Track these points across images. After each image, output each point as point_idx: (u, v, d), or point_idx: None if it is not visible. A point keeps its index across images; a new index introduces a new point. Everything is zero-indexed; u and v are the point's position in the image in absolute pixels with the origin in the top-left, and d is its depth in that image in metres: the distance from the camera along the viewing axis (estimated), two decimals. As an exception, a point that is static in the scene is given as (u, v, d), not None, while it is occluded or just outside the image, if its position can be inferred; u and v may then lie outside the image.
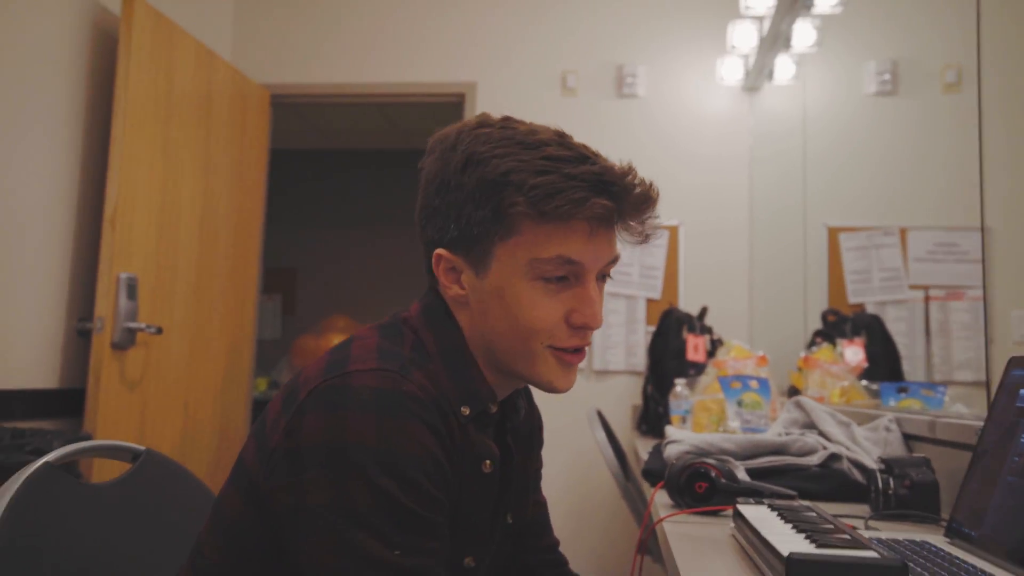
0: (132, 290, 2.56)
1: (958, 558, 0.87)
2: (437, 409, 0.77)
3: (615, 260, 0.86)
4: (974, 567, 0.83)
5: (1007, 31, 2.53)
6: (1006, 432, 0.96)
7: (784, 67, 3.17)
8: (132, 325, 2.54)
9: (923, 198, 2.94)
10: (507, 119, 0.86)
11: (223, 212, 3.14)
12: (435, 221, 0.86)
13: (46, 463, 0.93)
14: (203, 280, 2.99)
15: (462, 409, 0.81)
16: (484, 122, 0.85)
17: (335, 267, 5.85)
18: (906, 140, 3.01)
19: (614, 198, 0.79)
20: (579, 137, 0.87)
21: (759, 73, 3.22)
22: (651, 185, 0.84)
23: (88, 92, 2.63)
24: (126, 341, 2.54)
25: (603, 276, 0.87)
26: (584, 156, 0.82)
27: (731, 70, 3.27)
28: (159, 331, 2.61)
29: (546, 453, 3.60)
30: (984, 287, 2.15)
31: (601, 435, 2.53)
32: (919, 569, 0.81)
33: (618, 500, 2.99)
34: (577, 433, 3.11)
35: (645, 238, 0.87)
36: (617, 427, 3.05)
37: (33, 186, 2.42)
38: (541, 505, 1.08)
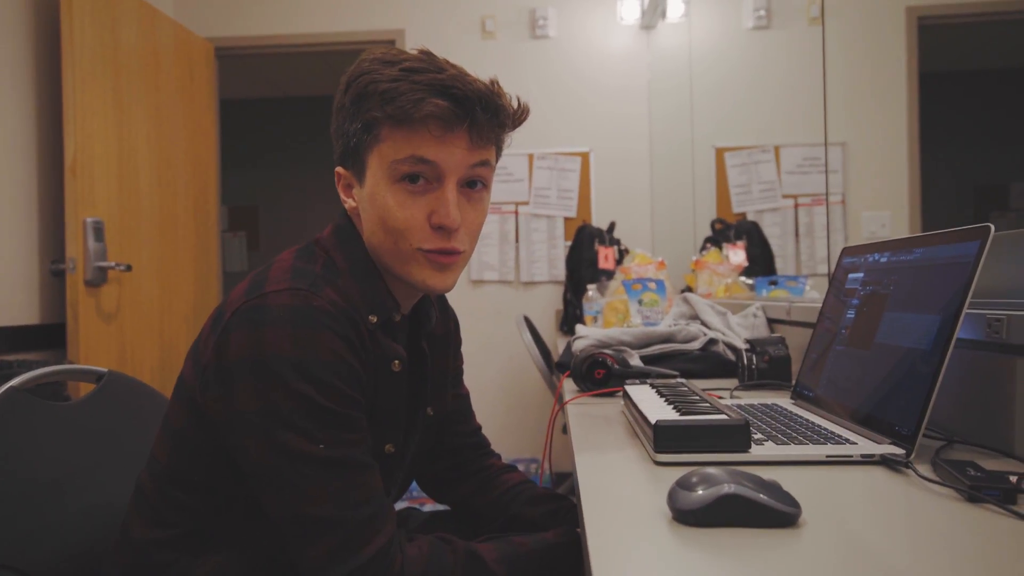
0: (99, 232, 2.45)
1: (796, 414, 0.93)
2: (347, 319, 0.75)
3: (482, 165, 0.81)
4: (805, 419, 0.89)
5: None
6: (838, 310, 1.00)
7: (675, 6, 3.12)
8: (102, 264, 2.44)
9: (793, 119, 2.98)
10: (393, 48, 0.83)
11: (179, 159, 2.99)
12: (334, 144, 0.86)
13: (11, 387, 0.90)
14: (166, 221, 2.88)
15: (370, 318, 0.80)
16: (370, 52, 0.82)
17: (292, 204, 5.70)
18: (778, 68, 3.02)
19: (454, 100, 0.76)
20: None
21: (654, 12, 3.17)
22: (499, 92, 0.80)
23: (35, 51, 2.44)
24: (98, 279, 2.44)
25: (474, 182, 0.82)
26: (438, 68, 0.78)
27: (629, 10, 3.21)
28: (128, 268, 2.51)
29: (484, 355, 3.66)
30: (827, 193, 2.20)
31: (528, 337, 2.58)
32: (762, 424, 0.86)
33: (545, 391, 3.07)
34: (510, 338, 3.17)
35: (494, 143, 0.83)
36: (544, 329, 3.11)
37: (-8, 141, 2.26)
38: (463, 397, 1.09)
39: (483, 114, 0.78)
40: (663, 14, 3.16)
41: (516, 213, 3.27)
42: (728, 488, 0.56)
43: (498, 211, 3.27)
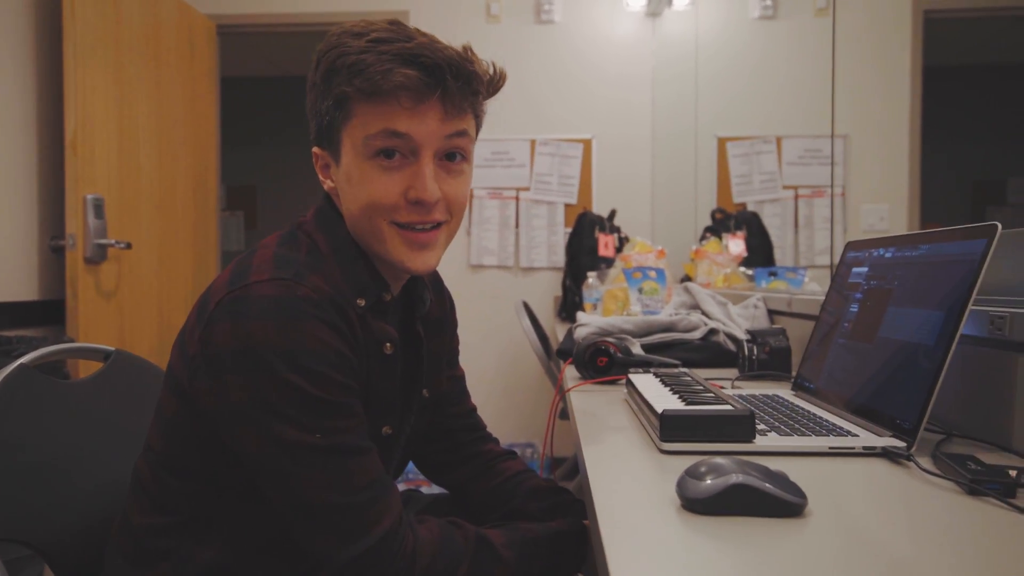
0: (99, 209, 2.44)
1: (798, 405, 0.94)
2: (332, 306, 0.74)
3: (459, 135, 0.80)
4: (807, 410, 0.90)
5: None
6: (840, 304, 1.02)
7: (681, -7, 3.11)
8: (102, 241, 2.44)
9: (795, 110, 2.99)
10: (363, 20, 0.80)
11: (179, 137, 2.98)
12: (310, 123, 0.84)
13: (21, 364, 0.91)
14: (166, 199, 2.87)
15: (358, 301, 0.79)
16: (341, 25, 0.80)
17: (289, 183, 5.68)
18: (783, 59, 3.02)
19: (423, 68, 0.74)
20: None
21: (660, -1, 3.15)
22: (471, 59, 0.78)
23: (35, 26, 2.42)
24: (98, 256, 2.44)
25: (453, 154, 0.81)
26: (407, 36, 0.77)
27: (635, -4, 3.19)
28: (128, 246, 2.51)
29: (482, 340, 3.69)
30: (832, 185, 2.21)
31: (526, 322, 2.58)
32: (765, 415, 0.88)
33: (543, 376, 3.09)
34: (508, 323, 3.18)
35: (470, 112, 0.81)
36: (542, 316, 3.12)
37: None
38: (458, 378, 1.08)
39: (455, 82, 0.76)
40: (669, 2, 3.15)
41: (517, 199, 3.27)
42: (736, 478, 0.58)
43: (499, 196, 3.27)
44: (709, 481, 0.58)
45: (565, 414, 2.28)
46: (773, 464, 0.62)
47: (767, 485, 0.57)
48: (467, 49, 0.79)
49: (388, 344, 0.83)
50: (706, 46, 3.15)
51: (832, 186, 2.13)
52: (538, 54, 3.27)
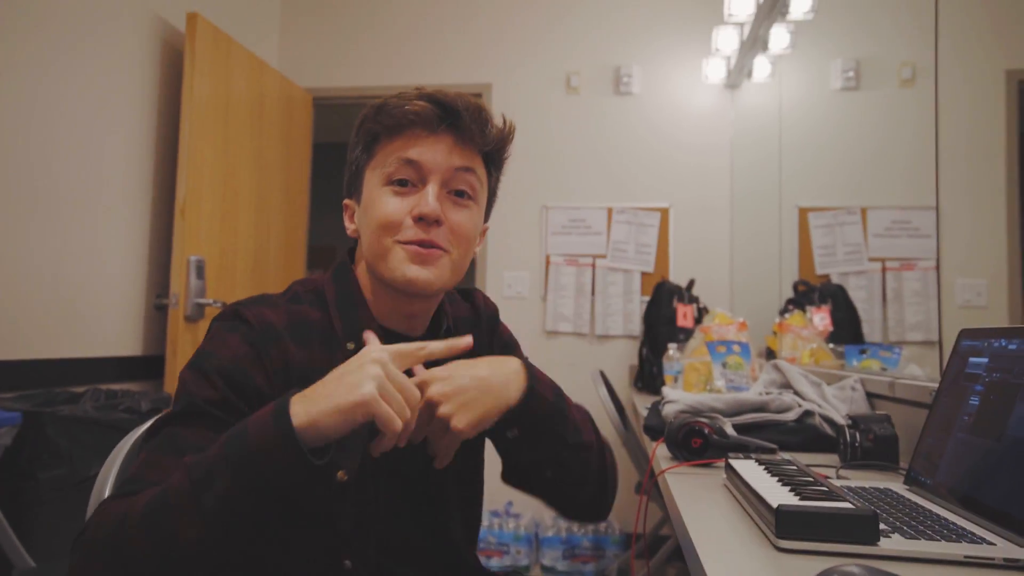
0: (200, 270, 2.59)
1: (915, 503, 0.90)
2: (265, 332, 0.82)
3: (467, 170, 0.89)
4: (928, 510, 0.86)
5: (960, 33, 2.50)
6: (957, 395, 0.97)
7: (761, 67, 3.14)
8: (201, 301, 2.58)
9: (881, 181, 2.93)
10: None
11: (274, 201, 3.15)
12: (344, 184, 0.96)
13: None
14: (259, 260, 3.02)
15: (348, 345, 0.86)
16: None
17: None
18: (867, 129, 2.99)
19: (434, 103, 0.86)
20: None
21: (740, 72, 3.19)
22: (482, 106, 0.90)
23: (159, 99, 2.64)
24: (196, 314, 2.57)
25: (461, 192, 0.89)
26: (428, 90, 0.89)
27: (715, 70, 3.24)
28: (224, 305, 2.64)
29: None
30: (937, 259, 2.14)
31: (603, 392, 2.56)
32: (883, 513, 0.84)
33: (619, 448, 3.03)
34: (582, 390, 3.14)
35: (482, 159, 0.92)
36: (616, 385, 3.09)
37: (115, 181, 2.44)
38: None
39: (465, 115, 0.87)
40: (749, 74, 3.18)
41: (593, 266, 3.29)
42: (874, 590, 0.55)
43: (575, 263, 3.30)
44: (844, 591, 0.56)
45: (647, 493, 2.20)
46: (901, 571, 0.60)
47: (908, 599, 0.55)
48: (474, 100, 0.90)
49: None
50: (788, 117, 3.16)
51: (938, 259, 2.06)
52: (616, 125, 3.33)
